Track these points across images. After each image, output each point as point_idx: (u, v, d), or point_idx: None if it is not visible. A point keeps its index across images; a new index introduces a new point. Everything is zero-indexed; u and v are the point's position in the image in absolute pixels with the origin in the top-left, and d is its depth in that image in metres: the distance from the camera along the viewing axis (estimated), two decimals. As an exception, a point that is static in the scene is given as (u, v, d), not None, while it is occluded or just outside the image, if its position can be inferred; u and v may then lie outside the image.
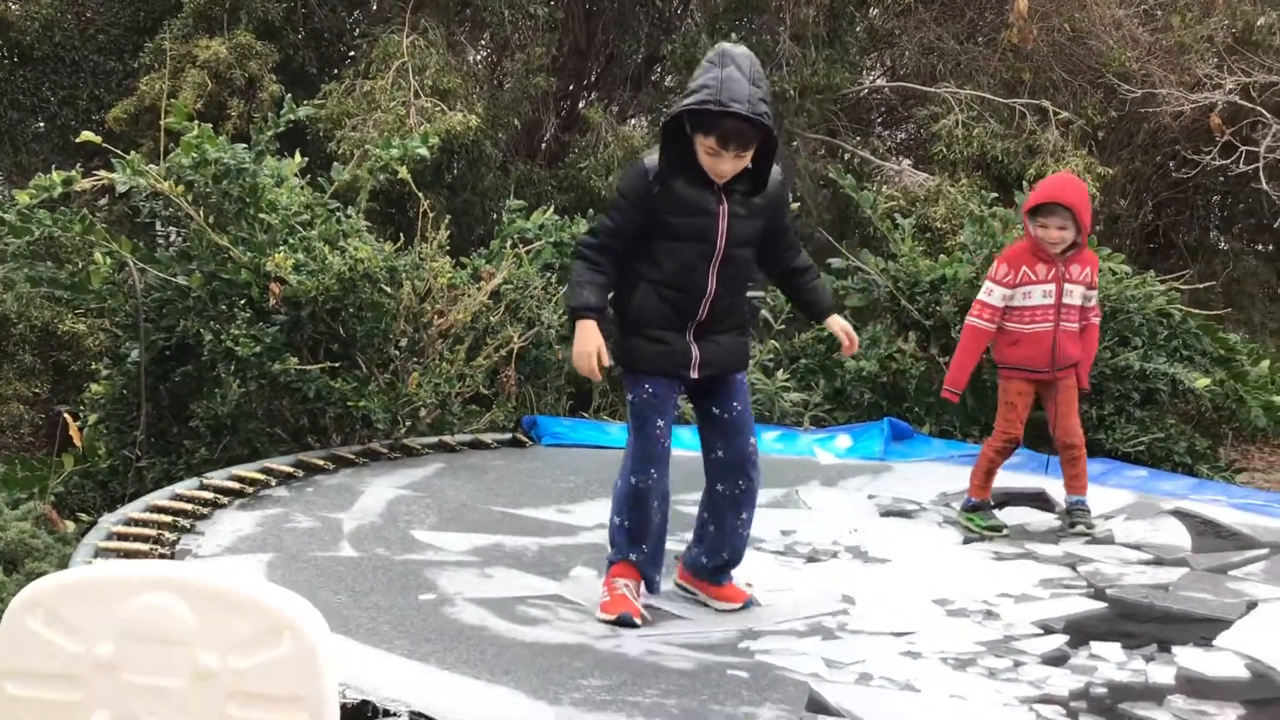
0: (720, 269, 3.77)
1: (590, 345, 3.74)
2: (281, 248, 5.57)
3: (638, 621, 3.78)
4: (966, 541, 4.94)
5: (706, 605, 4.00)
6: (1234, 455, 8.95)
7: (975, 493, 5.15)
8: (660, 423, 3.84)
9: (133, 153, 5.80)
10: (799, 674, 3.40)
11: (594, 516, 4.99)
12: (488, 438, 6.19)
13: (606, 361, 3.77)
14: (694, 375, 3.85)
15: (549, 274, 6.67)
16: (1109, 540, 5.01)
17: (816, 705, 3.16)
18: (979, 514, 5.10)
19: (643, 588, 3.90)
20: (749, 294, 4.07)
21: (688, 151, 3.67)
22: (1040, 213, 4.93)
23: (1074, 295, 4.96)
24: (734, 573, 4.06)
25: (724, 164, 3.63)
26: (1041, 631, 3.87)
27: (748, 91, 3.53)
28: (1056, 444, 5.17)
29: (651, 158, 3.76)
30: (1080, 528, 5.05)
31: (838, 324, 4.12)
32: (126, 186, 5.65)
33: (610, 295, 3.86)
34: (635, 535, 3.87)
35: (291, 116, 6.07)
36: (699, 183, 3.70)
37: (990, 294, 5.04)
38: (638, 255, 3.80)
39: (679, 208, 3.71)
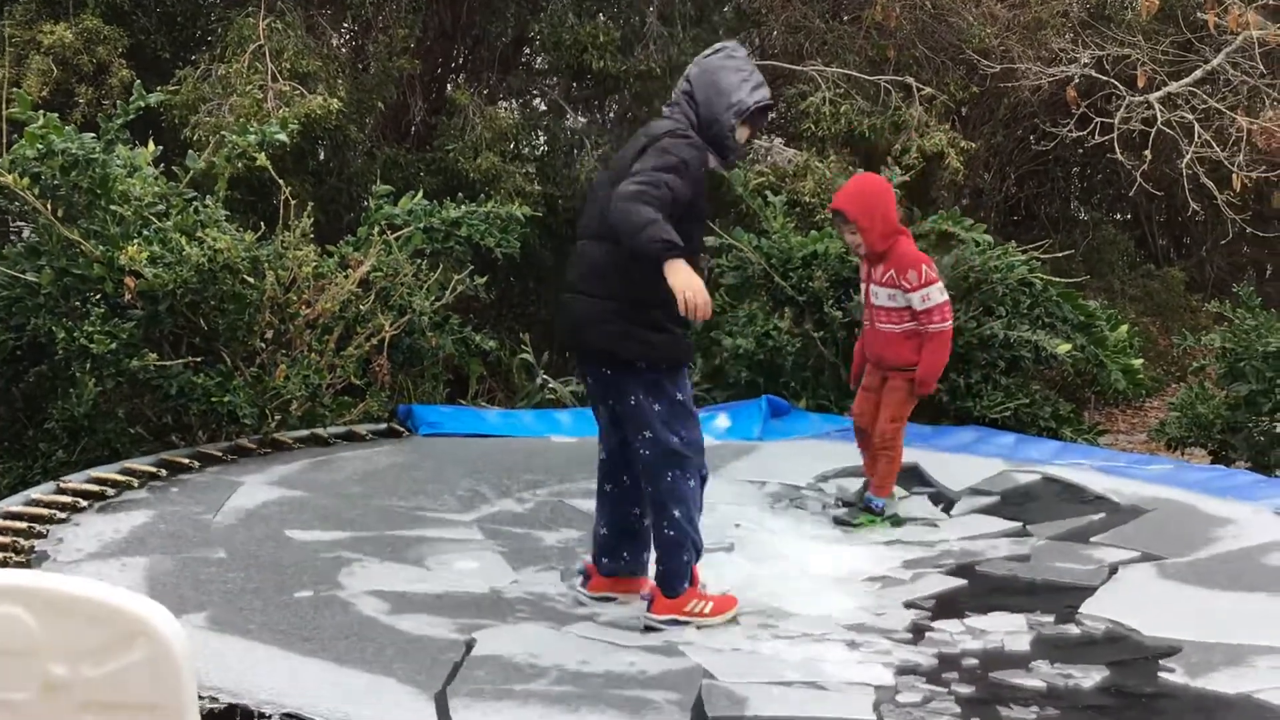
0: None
1: (699, 279, 3.56)
2: (135, 240, 5.37)
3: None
4: (838, 522, 5.01)
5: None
6: (1098, 418, 9.25)
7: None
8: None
9: (-28, 145, 5.53)
10: (689, 661, 3.41)
11: (473, 509, 4.93)
12: (362, 429, 6.07)
13: None
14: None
15: (419, 260, 6.55)
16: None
17: (707, 678, 3.19)
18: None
19: None
20: None
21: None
22: (835, 218, 5.07)
23: (879, 296, 4.99)
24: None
25: None
26: (913, 609, 3.94)
27: None
28: None
29: (691, 140, 3.71)
30: (843, 515, 5.10)
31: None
32: (-34, 180, 5.38)
33: (636, 288, 3.65)
34: (697, 530, 3.85)
35: (142, 103, 5.85)
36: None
37: None
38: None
39: (704, 191, 3.79)
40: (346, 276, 6.03)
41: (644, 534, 3.95)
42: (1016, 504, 5.24)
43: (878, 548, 4.69)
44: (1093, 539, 4.73)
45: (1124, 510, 5.09)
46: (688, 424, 3.77)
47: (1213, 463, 7.06)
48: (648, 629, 3.73)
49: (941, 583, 4.25)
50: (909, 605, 3.98)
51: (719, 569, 4.42)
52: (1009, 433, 6.50)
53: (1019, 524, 4.98)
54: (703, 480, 3.86)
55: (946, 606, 3.97)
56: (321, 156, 8.59)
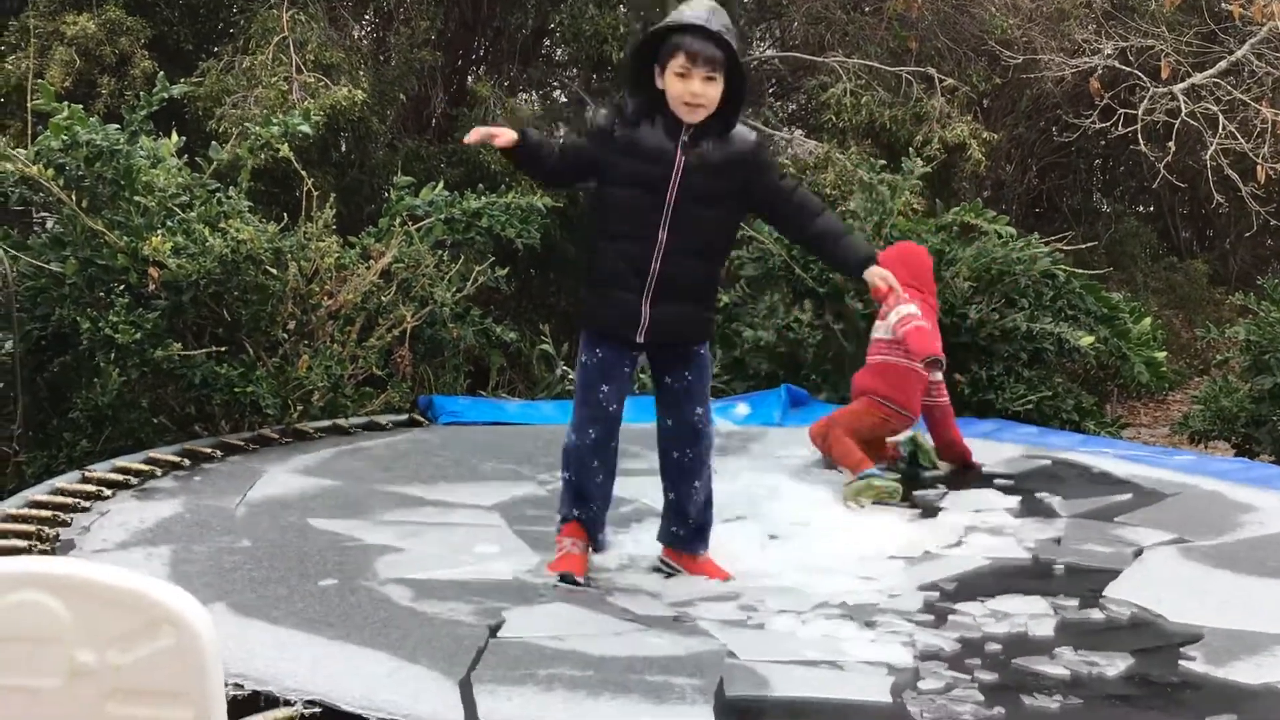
0: (673, 223, 3.75)
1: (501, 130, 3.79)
2: (159, 230, 5.40)
3: (579, 580, 3.85)
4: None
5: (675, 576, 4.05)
6: (1121, 411, 9.20)
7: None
8: (605, 388, 3.88)
9: (-2, 136, 5.57)
10: (713, 642, 3.39)
11: (495, 494, 4.94)
12: (383, 419, 6.09)
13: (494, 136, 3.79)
14: (640, 340, 3.85)
15: (440, 251, 6.56)
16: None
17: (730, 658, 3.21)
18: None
19: (590, 547, 4.02)
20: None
21: (658, 100, 3.72)
22: None
23: (878, 330, 5.38)
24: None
25: (694, 84, 3.64)
26: (934, 591, 3.91)
27: (706, 15, 3.67)
28: None
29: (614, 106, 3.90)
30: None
31: (876, 273, 3.95)
32: (-8, 172, 5.42)
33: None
34: (578, 494, 3.97)
35: (165, 95, 5.87)
36: (664, 132, 3.73)
37: None
38: (599, 213, 3.87)
39: (634, 151, 3.73)
40: (368, 268, 6.05)
41: (675, 506, 4.05)
42: (1038, 487, 5.21)
43: (899, 524, 4.67)
44: (1117, 519, 4.71)
45: (1148, 493, 5.06)
46: (581, 391, 3.96)
47: (1236, 455, 7.02)
48: (675, 616, 3.72)
49: (964, 563, 4.22)
50: (931, 586, 3.96)
51: (736, 542, 4.39)
52: (1030, 425, 6.47)
53: (1042, 505, 4.97)
54: (581, 450, 3.95)
55: (969, 587, 3.94)
56: (343, 148, 8.62)
